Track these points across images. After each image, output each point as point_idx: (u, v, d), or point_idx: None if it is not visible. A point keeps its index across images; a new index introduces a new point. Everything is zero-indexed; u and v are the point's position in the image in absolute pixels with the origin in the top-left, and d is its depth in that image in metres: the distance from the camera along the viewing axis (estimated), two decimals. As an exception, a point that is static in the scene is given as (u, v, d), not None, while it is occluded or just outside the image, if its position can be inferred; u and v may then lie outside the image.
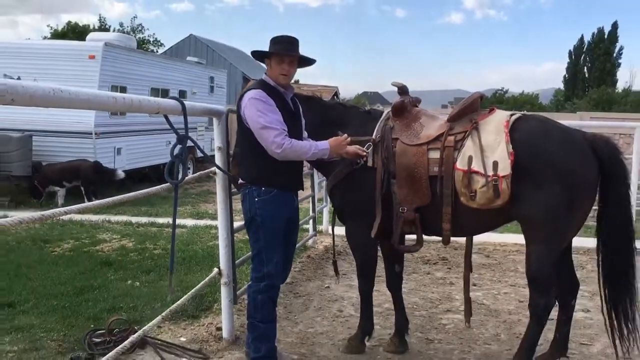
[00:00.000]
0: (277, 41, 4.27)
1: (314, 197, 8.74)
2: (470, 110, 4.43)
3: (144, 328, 3.98)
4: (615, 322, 4.43)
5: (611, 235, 4.44)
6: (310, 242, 8.71)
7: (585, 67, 62.48)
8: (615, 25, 62.12)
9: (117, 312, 5.65)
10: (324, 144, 4.23)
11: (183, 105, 3.97)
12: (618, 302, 4.42)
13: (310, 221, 8.80)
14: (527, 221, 4.27)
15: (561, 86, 65.14)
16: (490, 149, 4.16)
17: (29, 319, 5.51)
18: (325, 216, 9.61)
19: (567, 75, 63.37)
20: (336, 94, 34.07)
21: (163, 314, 4.12)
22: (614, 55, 61.79)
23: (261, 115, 4.08)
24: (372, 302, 5.00)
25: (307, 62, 4.47)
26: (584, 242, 9.42)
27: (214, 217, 11.58)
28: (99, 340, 4.86)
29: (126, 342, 3.86)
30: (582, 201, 4.25)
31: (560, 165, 4.14)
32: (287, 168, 4.29)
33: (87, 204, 3.51)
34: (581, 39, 63.35)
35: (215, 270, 4.95)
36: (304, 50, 4.34)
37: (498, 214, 4.29)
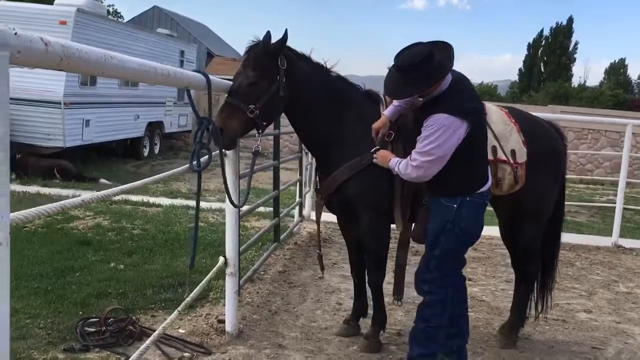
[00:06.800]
0: None
1: (302, 182, 8.45)
2: None
3: (158, 330, 3.58)
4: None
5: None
6: (295, 228, 8.40)
7: (542, 61, 63.02)
8: (570, 20, 62.68)
9: (106, 297, 5.28)
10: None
11: (208, 80, 3.60)
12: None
13: (297, 207, 8.50)
14: (524, 202, 4.61)
15: (516, 78, 65.76)
16: (505, 139, 4.43)
17: (10, 302, 5.06)
18: (308, 202, 9.18)
19: (522, 68, 63.90)
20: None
21: (179, 307, 3.75)
22: (570, 49, 62.53)
23: None
24: (383, 294, 4.79)
25: None
26: (568, 238, 9.41)
27: (187, 196, 11.18)
28: (92, 329, 4.50)
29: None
30: (560, 179, 4.95)
31: (552, 151, 4.76)
32: None
33: (111, 190, 3.15)
34: (540, 33, 63.89)
35: (222, 259, 4.60)
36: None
37: None
